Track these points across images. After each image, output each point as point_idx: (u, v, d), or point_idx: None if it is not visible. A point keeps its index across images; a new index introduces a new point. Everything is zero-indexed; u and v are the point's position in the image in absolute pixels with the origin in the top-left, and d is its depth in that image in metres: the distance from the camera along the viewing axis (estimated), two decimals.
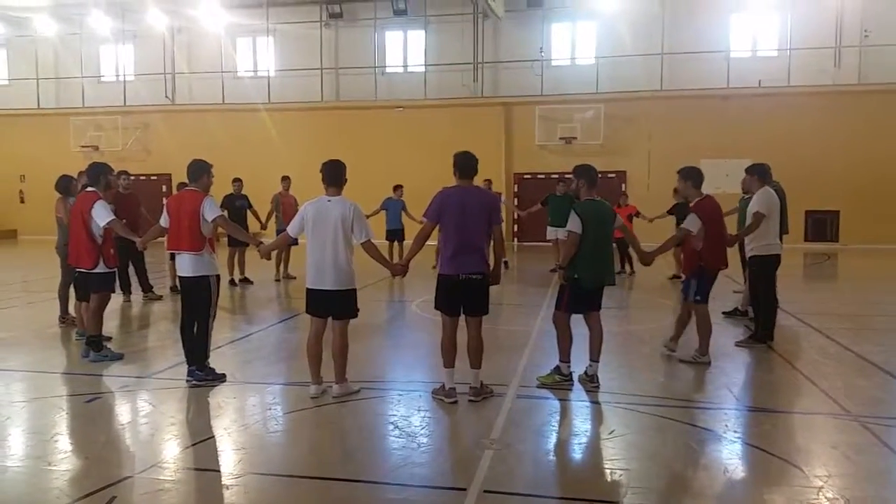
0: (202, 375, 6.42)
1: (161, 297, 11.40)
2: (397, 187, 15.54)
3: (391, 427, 5.38)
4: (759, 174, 8.05)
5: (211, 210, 6.31)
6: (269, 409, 5.92)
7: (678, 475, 4.54)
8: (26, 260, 19.05)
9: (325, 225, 5.77)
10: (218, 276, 6.50)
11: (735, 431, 5.30)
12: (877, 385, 6.52)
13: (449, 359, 5.89)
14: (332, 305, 5.90)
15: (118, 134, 24.22)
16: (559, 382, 6.27)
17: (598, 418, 5.70)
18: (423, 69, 22.97)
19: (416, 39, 23.27)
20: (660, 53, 21.11)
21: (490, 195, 5.98)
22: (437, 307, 5.97)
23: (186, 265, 6.35)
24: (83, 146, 24.06)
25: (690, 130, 20.48)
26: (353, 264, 5.89)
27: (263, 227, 13.33)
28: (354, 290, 5.96)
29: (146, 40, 24.51)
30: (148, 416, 5.72)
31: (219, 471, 4.61)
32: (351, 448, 4.98)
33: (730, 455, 4.92)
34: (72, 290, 8.47)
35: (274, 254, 14.15)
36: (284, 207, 13.41)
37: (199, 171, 6.48)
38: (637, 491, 4.22)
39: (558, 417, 5.69)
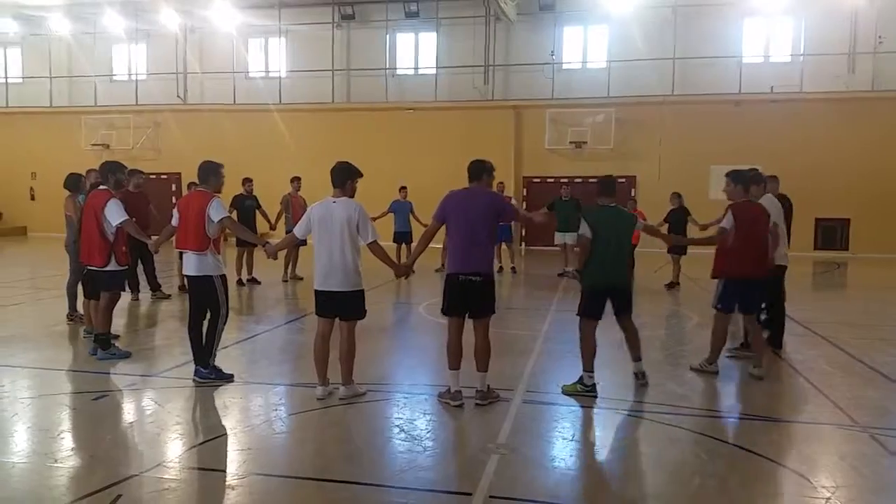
0: (205, 373, 6.43)
1: (169, 296, 11.43)
2: (402, 188, 15.55)
3: (396, 430, 5.37)
4: (762, 181, 7.92)
5: (217, 211, 6.30)
6: (275, 409, 5.92)
7: (685, 483, 4.51)
8: (36, 257, 19.17)
9: (331, 227, 5.80)
10: (223, 277, 6.49)
11: (742, 441, 5.25)
12: (886, 395, 6.46)
13: (454, 361, 5.88)
14: (340, 306, 5.91)
15: (129, 133, 24.32)
16: (581, 392, 6.18)
17: (604, 425, 5.67)
18: (434, 71, 22.97)
19: (428, 41, 23.28)
20: (672, 58, 21.01)
21: (494, 195, 5.99)
22: (442, 309, 5.99)
23: (192, 265, 6.38)
24: (94, 144, 24.17)
25: (701, 136, 20.39)
26: (360, 265, 5.90)
27: (273, 227, 13.37)
28: (362, 291, 5.97)
29: (159, 40, 24.61)
30: (154, 414, 5.72)
31: (224, 471, 4.61)
32: (356, 450, 4.97)
33: (737, 464, 4.88)
34: (80, 287, 8.50)
35: (282, 254, 14.20)
36: (294, 208, 13.44)
37: (206, 172, 6.50)
38: (643, 499, 4.19)
39: (564, 423, 5.66)
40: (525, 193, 22.17)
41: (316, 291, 5.97)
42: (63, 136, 24.33)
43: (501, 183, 16.05)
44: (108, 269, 7.25)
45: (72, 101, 25.42)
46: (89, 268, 7.47)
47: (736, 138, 19.86)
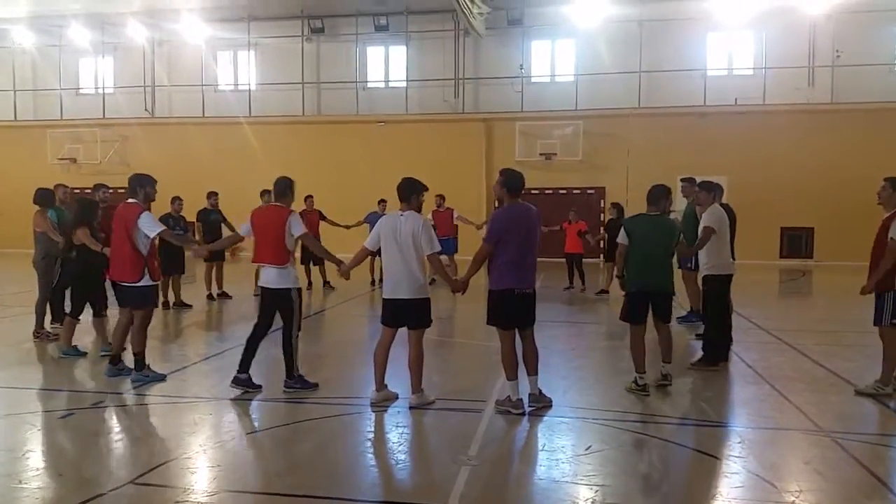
0: (291, 383, 6.60)
1: None
2: (381, 201, 15.25)
3: (369, 443, 5.38)
4: (711, 190, 7.99)
5: (297, 227, 6.55)
6: (246, 425, 5.88)
7: (654, 491, 4.59)
8: (1, 274, 18.77)
9: (400, 239, 6.12)
10: (300, 290, 6.70)
11: (709, 447, 5.35)
12: (848, 401, 6.60)
13: (513, 371, 6.07)
14: (407, 315, 6.14)
15: (97, 147, 23.99)
16: (635, 391, 6.60)
17: (574, 434, 5.72)
18: (404, 84, 23.08)
19: (398, 55, 23.40)
20: (638, 71, 21.40)
21: (537, 212, 6.11)
22: (492, 322, 6.13)
23: (271, 278, 6.59)
24: (61, 159, 23.83)
25: (668, 147, 20.73)
26: (426, 275, 6.21)
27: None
28: (428, 299, 6.21)
29: (126, 53, 24.39)
30: (123, 432, 5.67)
31: (194, 488, 4.57)
32: (328, 465, 4.97)
33: (704, 470, 4.97)
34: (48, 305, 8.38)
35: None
36: None
37: (286, 188, 6.79)
38: None
39: (535, 433, 5.71)
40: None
41: (384, 301, 6.22)
42: (29, 151, 23.93)
43: (440, 195, 15.99)
44: (139, 284, 6.93)
45: (37, 115, 25.02)
46: (122, 284, 7.08)
47: (701, 149, 20.26)
